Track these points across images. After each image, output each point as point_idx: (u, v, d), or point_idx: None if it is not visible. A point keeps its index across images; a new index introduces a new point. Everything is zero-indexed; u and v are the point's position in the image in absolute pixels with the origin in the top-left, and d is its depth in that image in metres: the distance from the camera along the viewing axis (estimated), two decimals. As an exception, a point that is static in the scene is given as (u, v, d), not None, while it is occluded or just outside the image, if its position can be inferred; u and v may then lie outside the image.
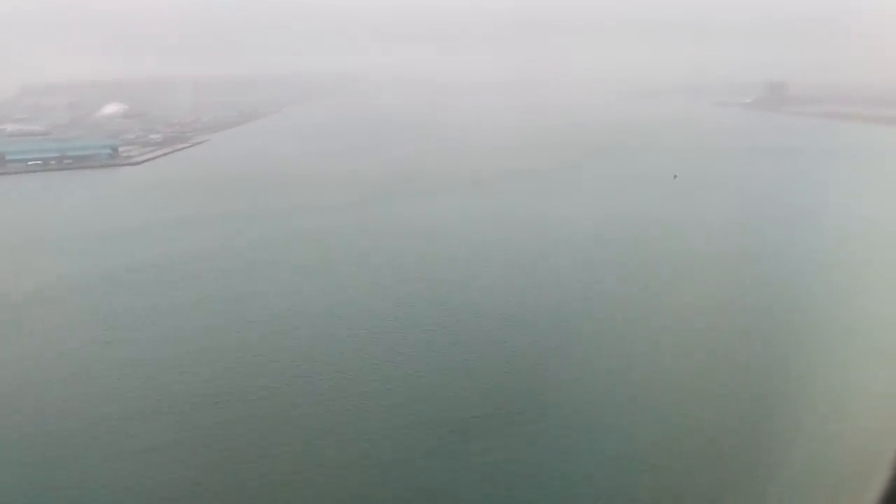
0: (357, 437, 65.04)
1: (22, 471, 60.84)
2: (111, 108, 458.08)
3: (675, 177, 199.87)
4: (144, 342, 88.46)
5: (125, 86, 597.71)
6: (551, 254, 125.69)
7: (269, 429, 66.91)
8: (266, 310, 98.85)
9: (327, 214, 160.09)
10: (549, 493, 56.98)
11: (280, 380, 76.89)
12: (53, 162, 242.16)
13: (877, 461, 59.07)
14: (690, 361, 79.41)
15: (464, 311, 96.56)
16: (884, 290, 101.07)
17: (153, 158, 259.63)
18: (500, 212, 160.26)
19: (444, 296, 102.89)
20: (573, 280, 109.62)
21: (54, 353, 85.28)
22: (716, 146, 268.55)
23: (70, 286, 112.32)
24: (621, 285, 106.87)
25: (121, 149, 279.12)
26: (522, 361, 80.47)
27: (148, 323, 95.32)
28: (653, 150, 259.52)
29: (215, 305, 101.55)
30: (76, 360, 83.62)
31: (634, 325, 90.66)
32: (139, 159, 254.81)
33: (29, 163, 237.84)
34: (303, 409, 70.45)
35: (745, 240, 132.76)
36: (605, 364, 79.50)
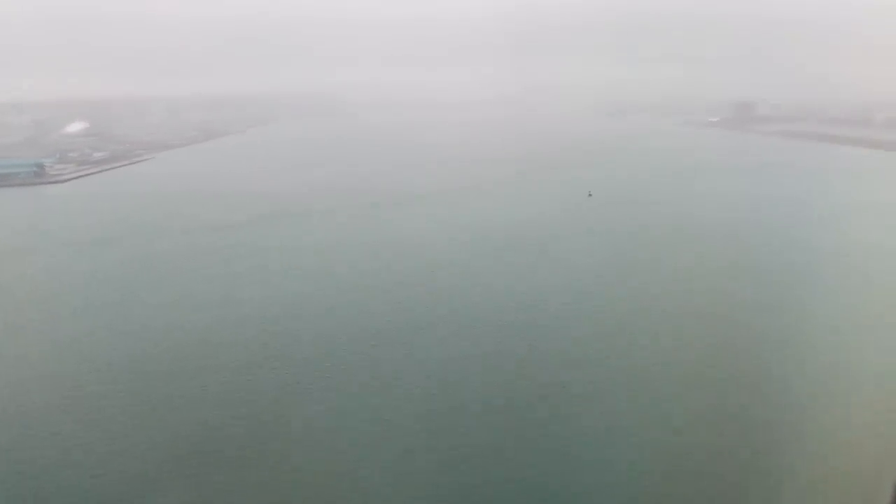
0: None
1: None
2: (75, 127, 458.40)
3: (590, 195, 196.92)
4: None
5: (99, 104, 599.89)
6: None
7: None
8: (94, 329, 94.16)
9: (215, 233, 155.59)
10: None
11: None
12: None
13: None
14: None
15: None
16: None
17: (82, 176, 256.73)
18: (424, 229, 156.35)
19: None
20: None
21: None
22: (656, 164, 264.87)
23: None
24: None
25: (57, 166, 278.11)
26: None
27: None
28: (592, 168, 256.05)
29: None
30: None
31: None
32: (66, 177, 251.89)
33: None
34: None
35: (609, 251, 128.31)
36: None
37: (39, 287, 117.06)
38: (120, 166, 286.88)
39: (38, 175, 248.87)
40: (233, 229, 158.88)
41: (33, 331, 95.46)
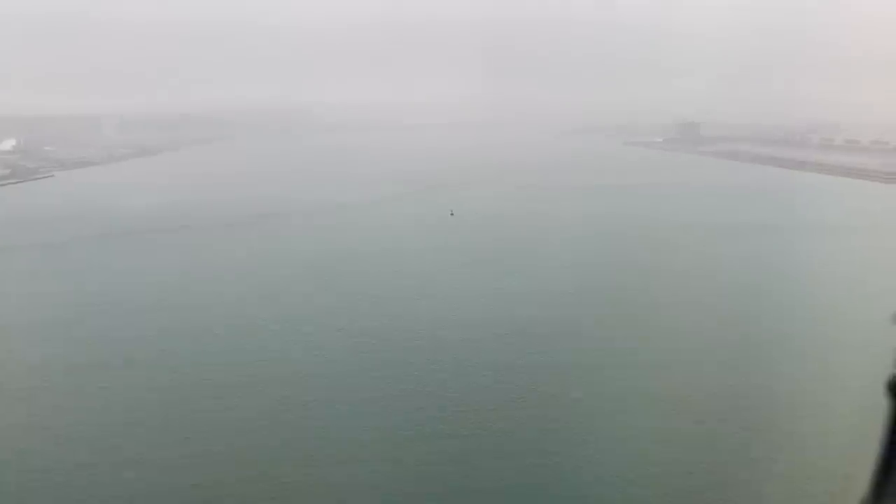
0: None
1: None
2: (7, 144, 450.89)
3: (452, 213, 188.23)
4: None
5: (48, 120, 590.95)
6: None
7: None
8: None
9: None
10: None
11: None
12: None
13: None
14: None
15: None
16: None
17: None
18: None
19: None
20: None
21: None
22: (559, 183, 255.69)
23: None
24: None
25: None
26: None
27: None
28: (481, 188, 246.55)
29: None
30: None
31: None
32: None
33: None
34: None
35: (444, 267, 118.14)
36: None
37: None
38: (8, 184, 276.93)
39: None
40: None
41: None
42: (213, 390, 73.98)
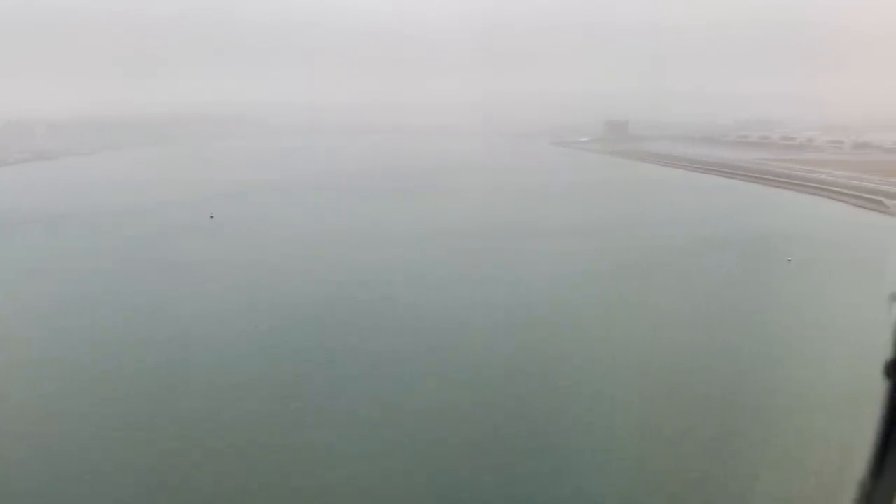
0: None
1: None
2: None
3: (212, 217, 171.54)
4: None
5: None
6: None
7: None
8: None
9: None
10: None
11: None
12: None
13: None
14: None
15: None
16: None
17: None
18: None
19: None
20: None
21: None
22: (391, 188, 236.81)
23: None
24: None
25: None
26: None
27: None
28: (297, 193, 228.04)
29: None
30: None
31: None
32: None
33: None
34: None
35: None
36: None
37: None
38: None
39: None
40: None
41: None
42: None
